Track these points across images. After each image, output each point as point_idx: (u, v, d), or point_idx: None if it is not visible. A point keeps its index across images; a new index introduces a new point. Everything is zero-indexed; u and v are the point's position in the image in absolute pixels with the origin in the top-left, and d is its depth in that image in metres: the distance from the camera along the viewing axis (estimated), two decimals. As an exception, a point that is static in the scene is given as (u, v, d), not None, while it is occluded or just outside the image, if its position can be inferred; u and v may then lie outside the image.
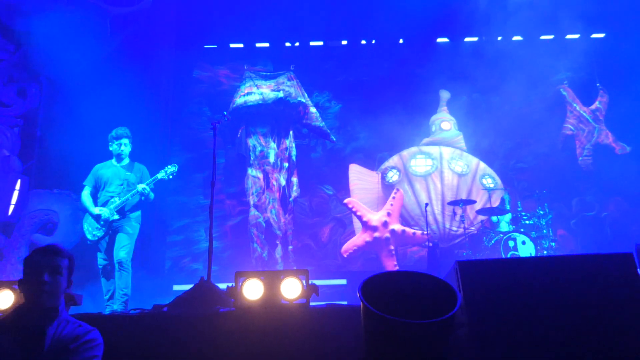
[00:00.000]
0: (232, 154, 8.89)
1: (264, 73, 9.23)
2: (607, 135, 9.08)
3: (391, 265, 7.42)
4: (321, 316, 3.17)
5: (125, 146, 5.52)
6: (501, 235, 6.99)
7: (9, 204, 6.49)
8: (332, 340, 3.03)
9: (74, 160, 6.60)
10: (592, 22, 8.60)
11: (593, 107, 9.27)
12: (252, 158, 8.85)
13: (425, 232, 7.46)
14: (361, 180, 8.71)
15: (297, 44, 9.28)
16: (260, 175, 8.78)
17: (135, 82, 7.15)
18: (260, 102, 8.92)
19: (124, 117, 6.76)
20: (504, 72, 8.28)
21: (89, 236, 5.35)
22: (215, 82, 9.27)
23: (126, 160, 5.57)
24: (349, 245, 7.63)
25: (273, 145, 8.94)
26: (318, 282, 3.33)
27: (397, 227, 7.52)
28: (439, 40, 9.31)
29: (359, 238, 7.64)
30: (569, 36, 9.16)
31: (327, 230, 8.57)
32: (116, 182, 5.42)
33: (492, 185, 8.70)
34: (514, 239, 6.89)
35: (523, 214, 7.30)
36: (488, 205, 7.51)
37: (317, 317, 3.16)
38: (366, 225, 7.53)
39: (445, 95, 9.40)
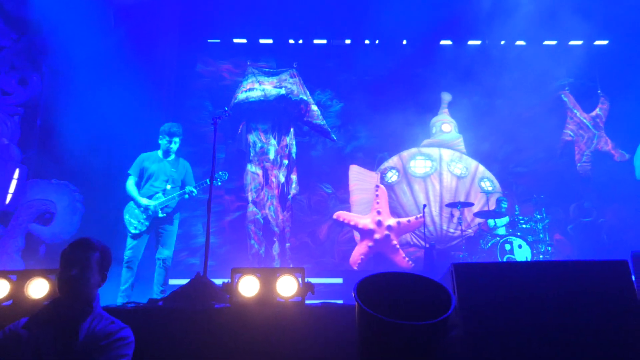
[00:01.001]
0: (232, 149, 8.90)
1: (267, 69, 9.22)
2: (607, 142, 9.10)
3: (400, 259, 7.47)
4: (316, 315, 3.17)
5: (175, 144, 5.57)
6: (498, 238, 7.00)
7: (6, 192, 6.48)
8: (327, 339, 3.04)
9: (74, 151, 6.60)
10: (596, 28, 8.60)
11: (593, 113, 9.28)
12: (252, 154, 8.85)
13: (418, 216, 7.52)
14: (360, 181, 8.72)
15: (300, 41, 9.28)
16: (260, 172, 8.78)
17: (137, 74, 7.14)
18: (262, 98, 8.92)
19: (125, 109, 6.77)
20: (506, 76, 8.29)
21: (131, 228, 5.36)
22: (218, 76, 9.27)
23: (172, 156, 5.62)
24: (356, 257, 7.60)
25: (273, 142, 8.95)
26: (314, 281, 3.33)
27: (391, 221, 7.56)
28: (442, 42, 9.32)
29: (362, 246, 7.62)
30: (572, 42, 9.17)
31: (325, 228, 8.58)
32: (162, 177, 5.47)
33: (490, 189, 8.72)
34: (511, 243, 6.90)
35: (520, 217, 7.31)
36: (486, 208, 7.53)
37: (313, 316, 3.16)
38: (363, 232, 7.54)
39: (446, 97, 9.41)
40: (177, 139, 5.57)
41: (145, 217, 5.33)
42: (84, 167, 5.87)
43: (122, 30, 7.51)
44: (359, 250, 7.61)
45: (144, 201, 5.33)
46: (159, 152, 5.60)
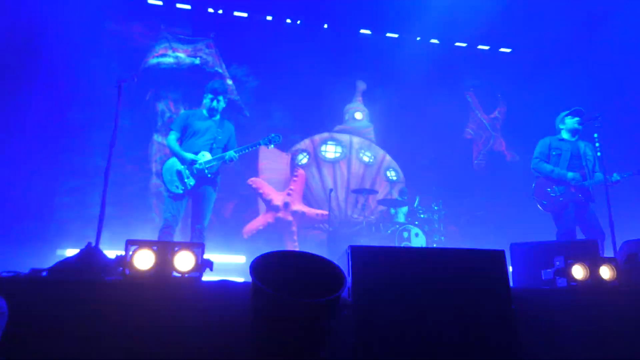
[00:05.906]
0: (138, 117, 8.42)
1: (182, 36, 8.81)
2: (501, 143, 9.87)
3: (291, 246, 7.60)
4: (213, 291, 3.13)
5: (219, 102, 5.27)
6: (397, 226, 7.34)
7: None
8: (222, 316, 3.01)
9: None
10: (502, 37, 9.25)
11: (492, 115, 10.00)
12: (159, 123, 8.44)
13: (325, 212, 7.78)
14: (270, 160, 8.68)
15: (220, 11, 8.95)
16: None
17: (36, 24, 6.50)
18: (175, 66, 8.53)
19: (20, 62, 6.16)
20: (418, 72, 8.63)
21: (172, 187, 5.04)
22: (127, 37, 8.67)
23: (218, 116, 5.33)
24: (251, 226, 7.67)
25: (183, 113, 8.61)
26: (216, 258, 3.29)
27: (298, 207, 7.70)
28: (362, 31, 9.47)
29: (262, 219, 7.72)
30: (480, 46, 9.76)
31: (231, 206, 8.46)
32: (207, 136, 5.19)
33: (394, 178, 9.10)
34: (409, 231, 7.28)
35: (419, 208, 7.73)
36: (389, 197, 7.85)
37: (209, 292, 3.11)
38: (269, 205, 7.62)
39: (361, 85, 9.62)
40: (221, 97, 5.30)
41: (188, 174, 5.03)
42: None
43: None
44: (257, 223, 7.69)
45: (191, 155, 5.03)
46: (204, 111, 5.32)
